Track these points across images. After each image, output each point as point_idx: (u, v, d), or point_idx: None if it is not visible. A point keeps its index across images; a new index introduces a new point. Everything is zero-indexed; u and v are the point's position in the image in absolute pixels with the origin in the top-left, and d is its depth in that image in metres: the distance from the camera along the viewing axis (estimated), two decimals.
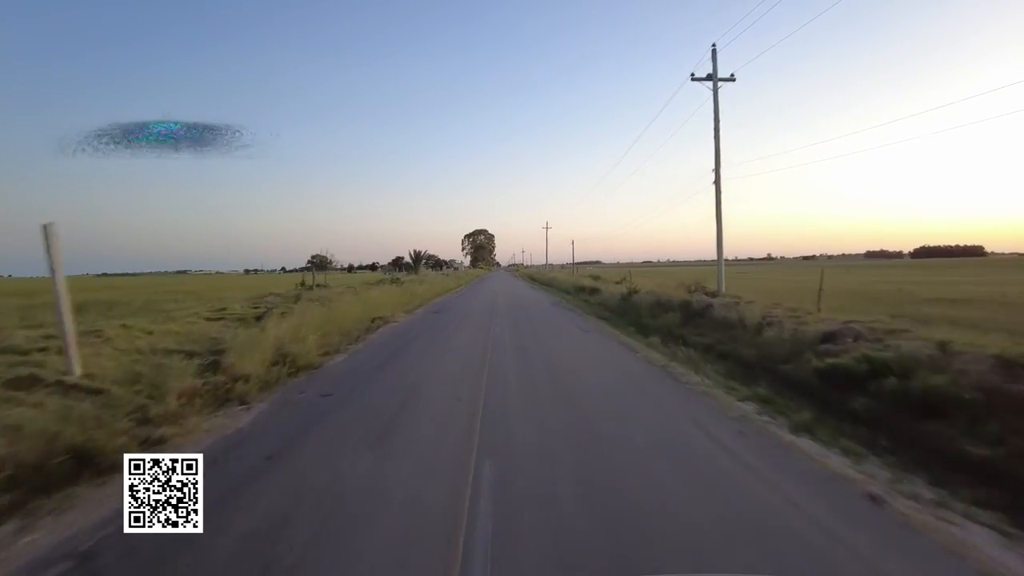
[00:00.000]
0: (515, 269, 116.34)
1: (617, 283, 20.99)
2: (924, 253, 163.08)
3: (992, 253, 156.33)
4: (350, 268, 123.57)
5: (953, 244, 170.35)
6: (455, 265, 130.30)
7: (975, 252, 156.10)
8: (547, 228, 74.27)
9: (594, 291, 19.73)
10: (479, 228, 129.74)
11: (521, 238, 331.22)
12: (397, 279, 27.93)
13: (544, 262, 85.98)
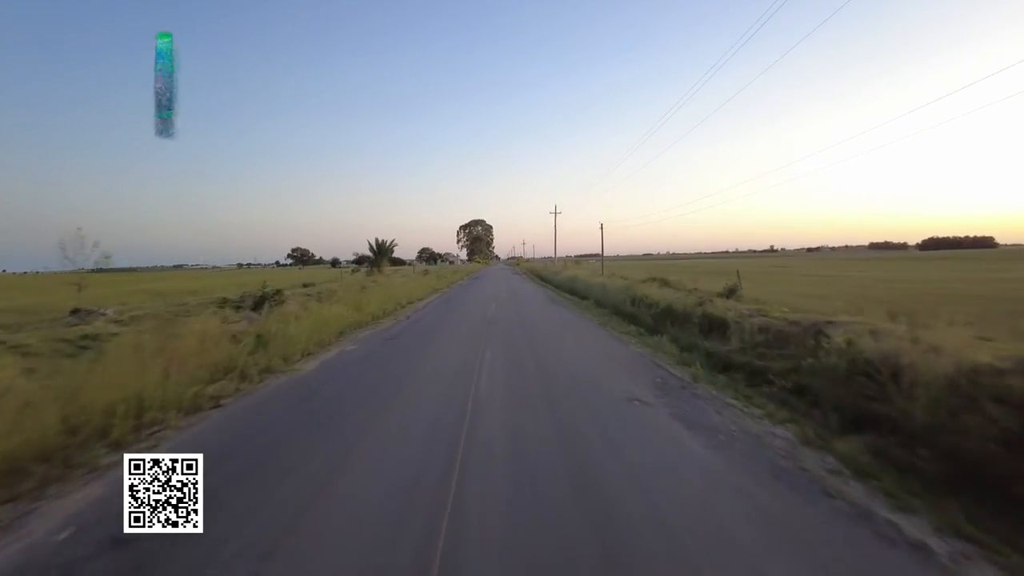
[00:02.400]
0: (515, 263, 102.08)
1: (727, 297, 9.57)
2: (932, 244, 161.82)
3: (1001, 244, 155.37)
4: (334, 263, 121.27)
5: (963, 235, 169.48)
6: (450, 259, 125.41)
7: (985, 243, 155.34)
8: (555, 213, 53.90)
9: (715, 326, 7.37)
10: (476, 218, 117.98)
11: (522, 228, 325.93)
12: (265, 297, 10.30)
13: (548, 256, 71.55)
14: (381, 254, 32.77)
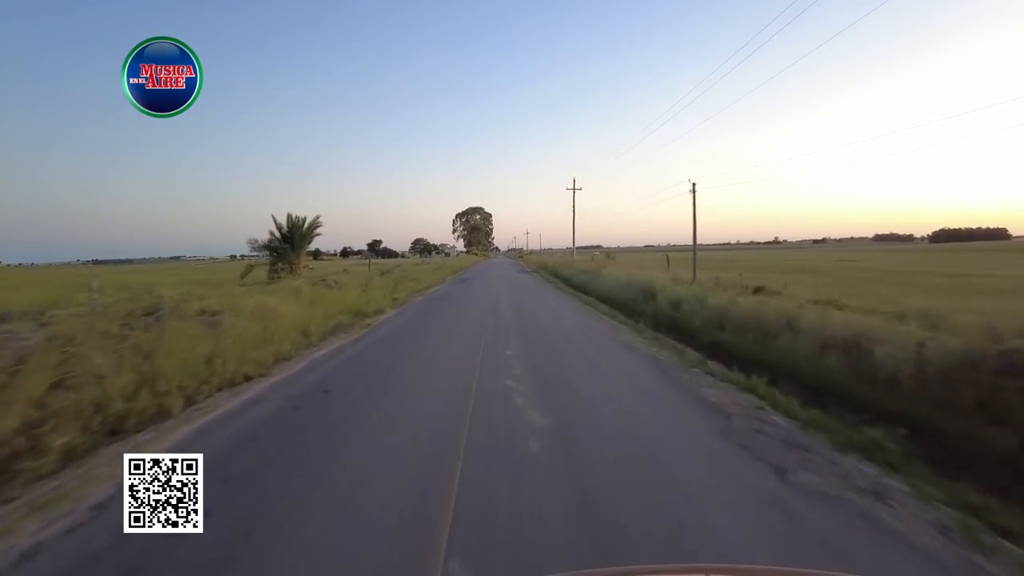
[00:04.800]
0: (518, 255, 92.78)
1: None
2: (944, 237, 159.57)
3: (1014, 237, 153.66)
4: (316, 254, 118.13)
5: (975, 227, 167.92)
6: (446, 250, 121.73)
7: (998, 235, 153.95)
8: (574, 189, 38.59)
9: None
10: (473, 206, 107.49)
11: (524, 217, 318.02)
12: None
13: (551, 247, 57.61)
14: (293, 242, 19.03)
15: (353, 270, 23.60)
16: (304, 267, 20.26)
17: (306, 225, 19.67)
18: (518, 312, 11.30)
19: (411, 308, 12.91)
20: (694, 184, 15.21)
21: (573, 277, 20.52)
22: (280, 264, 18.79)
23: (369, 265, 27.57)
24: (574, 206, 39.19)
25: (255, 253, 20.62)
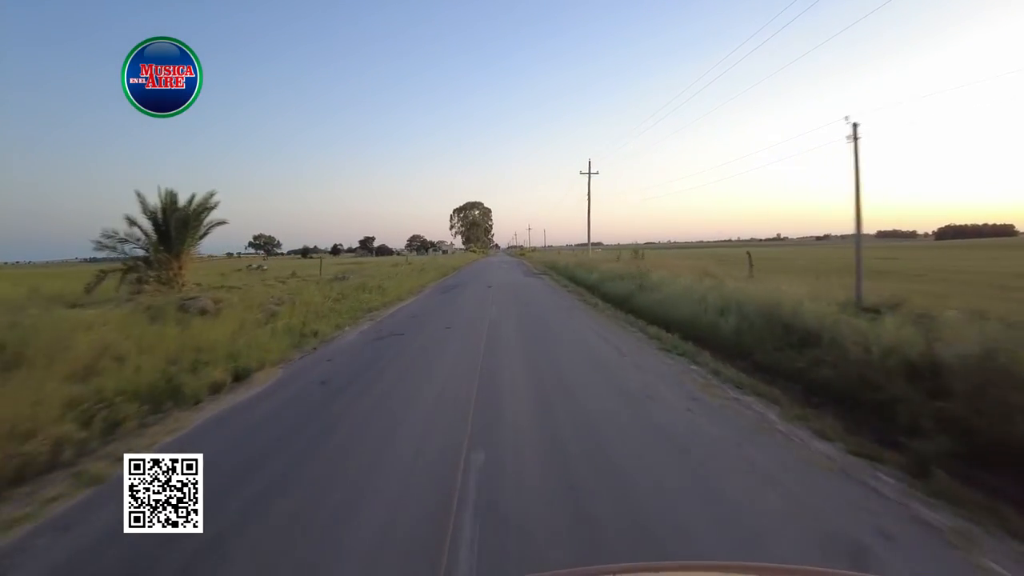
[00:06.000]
0: (519, 252, 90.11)
1: None
2: (951, 233, 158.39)
3: (1021, 232, 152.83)
4: (305, 252, 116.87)
5: (980, 223, 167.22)
6: (443, 247, 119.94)
7: (1005, 232, 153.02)
8: (590, 173, 32.27)
9: None
10: (472, 201, 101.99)
11: (526, 213, 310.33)
12: None
13: (552, 245, 55.29)
14: (169, 234, 11.75)
15: (306, 274, 20.53)
16: (249, 268, 13.87)
17: (193, 206, 12.12)
18: (543, 396, 4.71)
19: (326, 356, 7.01)
20: (855, 125, 8.45)
21: (601, 284, 14.76)
22: (157, 271, 11.59)
23: (320, 267, 21.44)
24: (589, 194, 32.47)
25: (103, 254, 12.50)
